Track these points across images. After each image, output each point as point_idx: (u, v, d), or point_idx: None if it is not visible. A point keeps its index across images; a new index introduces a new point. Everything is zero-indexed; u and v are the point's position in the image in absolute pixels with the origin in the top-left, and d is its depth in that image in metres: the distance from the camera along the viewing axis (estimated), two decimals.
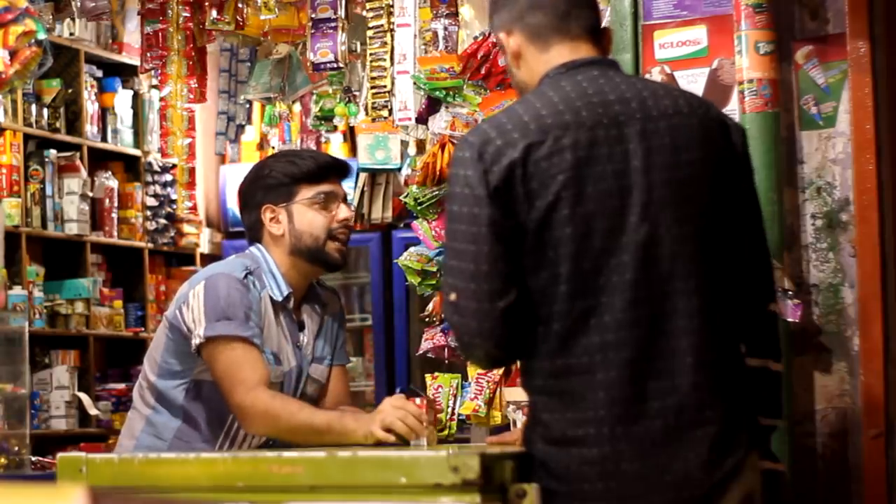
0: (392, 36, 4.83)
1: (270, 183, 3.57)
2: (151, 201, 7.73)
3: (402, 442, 3.43)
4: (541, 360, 2.65)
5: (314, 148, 6.66)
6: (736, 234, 2.74)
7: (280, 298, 3.52)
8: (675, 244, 2.63)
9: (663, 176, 2.65)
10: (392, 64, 4.83)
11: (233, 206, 8.37)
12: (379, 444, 3.27)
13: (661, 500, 2.61)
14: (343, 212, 3.57)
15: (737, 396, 2.69)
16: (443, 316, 3.24)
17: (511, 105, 2.82)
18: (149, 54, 5.80)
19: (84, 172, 7.16)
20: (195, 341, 3.41)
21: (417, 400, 3.33)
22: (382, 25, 4.87)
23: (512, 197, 2.62)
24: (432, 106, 4.59)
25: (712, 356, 2.65)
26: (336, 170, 3.62)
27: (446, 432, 3.94)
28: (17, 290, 6.35)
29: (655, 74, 4.03)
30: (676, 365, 2.61)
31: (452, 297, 2.67)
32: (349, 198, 4.01)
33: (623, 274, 2.61)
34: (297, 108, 6.59)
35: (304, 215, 3.54)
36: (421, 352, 4.38)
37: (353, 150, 7.74)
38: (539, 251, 2.62)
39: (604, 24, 4.18)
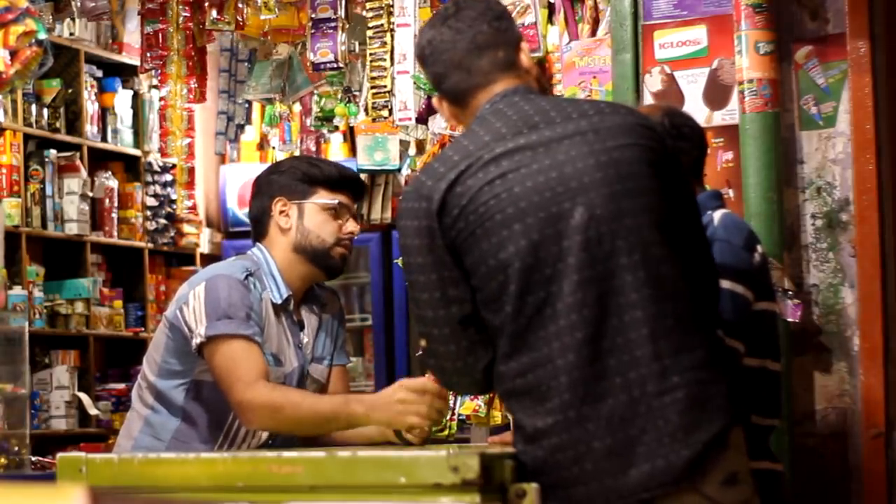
0: (392, 36, 4.83)
1: (287, 179, 3.59)
2: (151, 201, 7.73)
3: (402, 442, 3.44)
4: (505, 363, 2.69)
5: (314, 147, 6.68)
6: (677, 223, 2.76)
7: (279, 301, 3.52)
8: (613, 221, 2.66)
9: (590, 161, 2.68)
10: (392, 64, 4.83)
11: (233, 205, 8.37)
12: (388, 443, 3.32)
13: (637, 475, 2.60)
14: (351, 225, 3.59)
15: (706, 361, 2.66)
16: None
17: (441, 151, 2.95)
18: (149, 54, 5.80)
19: (84, 172, 7.16)
20: (196, 340, 3.41)
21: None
22: (382, 25, 4.88)
23: (448, 224, 2.69)
24: (432, 106, 4.59)
25: (669, 324, 2.64)
26: (355, 185, 3.67)
27: (446, 432, 3.95)
28: (17, 290, 6.34)
29: (655, 74, 4.03)
30: (633, 338, 2.63)
31: (423, 343, 2.80)
32: None
33: (567, 259, 2.64)
34: (297, 108, 6.59)
35: (315, 216, 3.55)
36: (421, 352, 4.38)
37: (353, 151, 7.75)
38: (482, 263, 2.68)
39: (602, 25, 4.19)
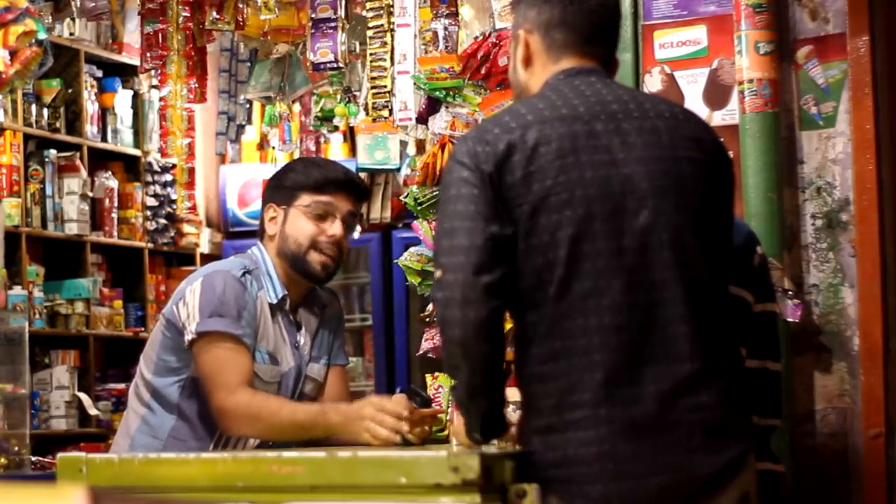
0: (392, 36, 4.83)
1: (280, 183, 3.60)
2: (151, 201, 7.73)
3: (403, 442, 3.44)
4: (536, 345, 2.66)
5: (314, 147, 6.67)
6: (719, 242, 2.79)
7: (275, 301, 3.52)
8: (672, 232, 2.67)
9: (662, 167, 2.69)
10: (392, 64, 4.83)
11: (233, 205, 8.37)
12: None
13: (657, 482, 2.61)
14: (334, 228, 3.54)
15: (732, 386, 2.71)
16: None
17: (512, 105, 2.86)
18: (149, 54, 5.80)
19: (84, 172, 7.16)
20: (187, 337, 3.42)
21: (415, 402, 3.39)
22: (382, 25, 4.87)
23: (508, 182, 2.65)
24: (432, 106, 4.59)
25: (706, 344, 2.67)
26: (346, 187, 3.59)
27: (446, 432, 3.94)
28: (17, 290, 6.34)
29: (655, 74, 4.03)
30: (672, 351, 2.64)
31: (438, 273, 2.68)
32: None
33: (622, 257, 2.64)
34: (297, 108, 6.59)
35: (296, 221, 3.54)
36: (421, 352, 4.39)
37: (353, 151, 7.74)
38: (534, 235, 2.64)
39: None
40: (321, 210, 3.54)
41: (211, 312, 3.40)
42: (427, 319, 4.33)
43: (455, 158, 2.70)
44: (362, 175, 5.45)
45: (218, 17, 5.44)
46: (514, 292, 2.69)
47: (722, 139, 2.89)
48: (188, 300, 3.44)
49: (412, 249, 4.46)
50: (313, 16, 5.11)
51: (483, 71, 4.24)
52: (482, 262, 2.62)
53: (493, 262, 2.63)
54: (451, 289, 2.63)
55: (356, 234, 3.62)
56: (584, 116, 2.69)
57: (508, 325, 2.81)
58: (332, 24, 5.08)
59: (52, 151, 7.02)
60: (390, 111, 4.87)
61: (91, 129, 7.33)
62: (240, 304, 3.42)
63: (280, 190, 3.59)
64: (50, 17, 6.07)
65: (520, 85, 2.88)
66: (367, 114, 5.03)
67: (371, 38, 4.91)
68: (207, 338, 3.39)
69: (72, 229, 7.12)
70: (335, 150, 8.15)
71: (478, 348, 2.66)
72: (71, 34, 7.11)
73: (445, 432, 3.96)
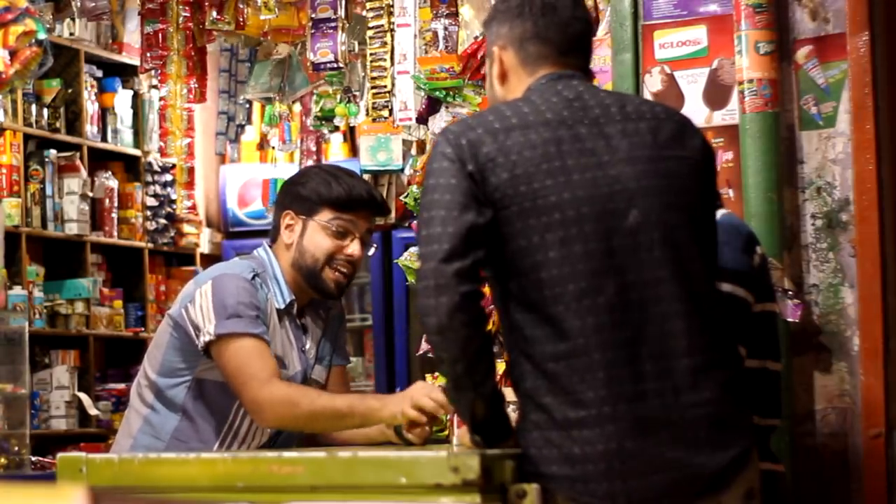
0: (392, 36, 4.83)
1: (300, 192, 3.57)
2: (151, 201, 7.73)
3: (403, 442, 3.44)
4: (541, 344, 2.66)
5: (314, 147, 6.67)
6: (708, 238, 2.81)
7: (282, 306, 3.52)
8: (662, 230, 2.69)
9: (649, 167, 2.71)
10: (392, 64, 4.83)
11: (233, 205, 8.37)
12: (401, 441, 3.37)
13: (662, 480, 2.62)
14: (353, 248, 3.54)
15: (732, 382, 2.72)
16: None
17: (496, 105, 2.87)
18: (149, 54, 5.80)
19: (84, 172, 7.16)
20: (204, 339, 3.40)
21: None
22: (382, 25, 4.87)
23: (494, 183, 2.66)
24: (432, 106, 4.59)
25: (705, 339, 2.69)
26: (368, 206, 3.59)
27: (446, 433, 3.94)
28: (17, 290, 6.34)
29: (655, 74, 4.03)
30: (670, 348, 2.65)
31: (417, 265, 2.70)
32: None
33: (614, 258, 2.65)
34: (297, 108, 6.59)
35: (315, 235, 3.53)
36: (421, 352, 4.39)
37: (353, 151, 7.75)
38: (524, 237, 2.65)
39: (602, 25, 4.20)
40: (342, 228, 3.53)
41: (228, 314, 3.39)
42: None
43: (436, 149, 2.72)
44: (365, 177, 5.44)
45: (218, 17, 5.43)
46: (506, 293, 2.70)
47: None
48: (199, 302, 3.43)
49: (412, 249, 4.45)
50: (313, 16, 5.11)
51: (483, 71, 4.24)
52: (454, 249, 2.63)
53: (466, 248, 2.64)
54: (427, 277, 2.64)
55: (371, 251, 3.61)
56: (568, 121, 2.72)
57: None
58: (332, 24, 5.08)
59: (52, 151, 7.02)
60: (390, 111, 4.87)
61: (91, 129, 7.32)
62: (254, 306, 3.42)
63: (299, 198, 3.56)
64: (50, 17, 6.07)
65: (497, 102, 2.89)
66: (368, 114, 5.03)
67: (371, 38, 4.91)
68: (228, 338, 3.38)
69: (72, 229, 7.11)
70: (335, 150, 8.15)
71: (454, 334, 2.64)
72: (71, 34, 7.10)
73: (445, 432, 3.96)
